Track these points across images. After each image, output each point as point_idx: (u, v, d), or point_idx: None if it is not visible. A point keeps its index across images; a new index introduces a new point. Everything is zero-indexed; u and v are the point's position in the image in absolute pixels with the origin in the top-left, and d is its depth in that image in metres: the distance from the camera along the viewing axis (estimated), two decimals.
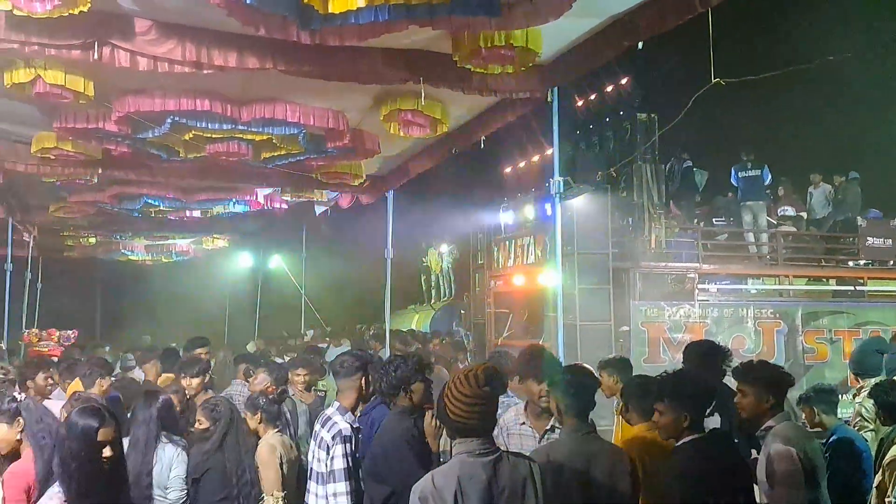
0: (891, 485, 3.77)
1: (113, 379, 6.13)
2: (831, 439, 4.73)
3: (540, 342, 10.93)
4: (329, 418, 4.26)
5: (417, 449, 3.82)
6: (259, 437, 4.75)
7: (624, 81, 12.22)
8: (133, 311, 20.29)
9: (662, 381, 3.53)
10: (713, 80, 6.26)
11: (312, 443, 4.34)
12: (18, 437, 3.81)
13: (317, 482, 4.18)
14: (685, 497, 3.19)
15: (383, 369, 4.12)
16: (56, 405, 5.15)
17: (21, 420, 3.81)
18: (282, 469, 4.50)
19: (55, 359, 8.86)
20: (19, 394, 5.60)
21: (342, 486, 4.03)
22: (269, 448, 4.52)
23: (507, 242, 13.42)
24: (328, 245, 18.31)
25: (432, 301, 19.16)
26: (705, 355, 4.47)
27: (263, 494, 4.40)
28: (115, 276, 21.80)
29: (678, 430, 3.36)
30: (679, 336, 10.78)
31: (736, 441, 3.97)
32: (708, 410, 3.50)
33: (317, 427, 4.36)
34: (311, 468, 4.26)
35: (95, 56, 5.58)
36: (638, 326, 10.69)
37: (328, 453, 4.11)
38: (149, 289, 20.85)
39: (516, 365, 4.35)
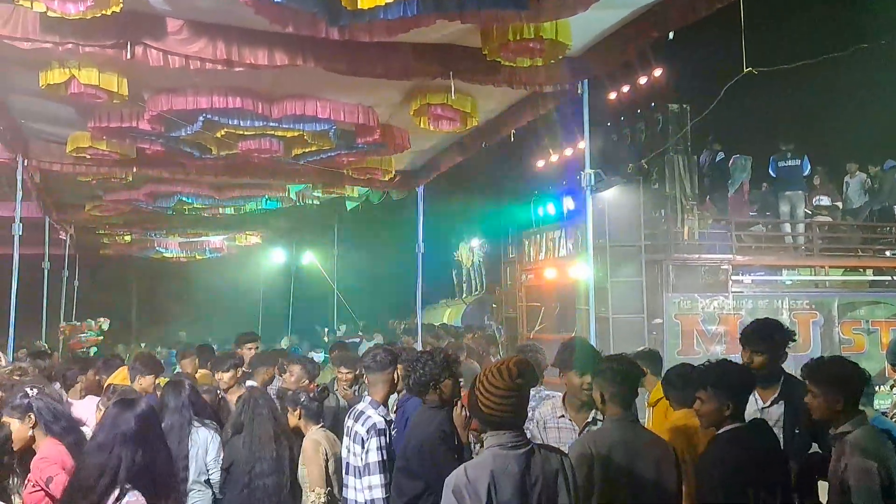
0: None
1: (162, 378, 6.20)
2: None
3: (572, 335, 10.89)
4: (362, 412, 4.29)
5: (449, 444, 3.82)
6: (302, 434, 4.76)
7: (655, 72, 12.10)
8: (168, 307, 20.64)
9: (706, 370, 3.53)
10: (745, 70, 6.17)
11: (346, 438, 4.38)
12: (31, 432, 3.83)
13: (354, 476, 4.23)
14: (723, 486, 3.18)
15: (411, 366, 4.10)
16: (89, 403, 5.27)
17: (32, 416, 3.82)
18: (326, 466, 4.49)
19: (94, 349, 9.02)
20: (60, 389, 5.68)
21: (377, 479, 4.07)
22: (314, 444, 4.52)
23: (539, 236, 13.38)
24: (360, 241, 18.41)
25: (464, 295, 19.18)
26: (766, 335, 4.31)
27: (306, 490, 4.41)
28: (150, 273, 22.14)
29: (720, 418, 3.35)
30: (713, 328, 10.69)
31: (796, 431, 3.89)
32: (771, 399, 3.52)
33: (349, 422, 4.39)
34: (347, 462, 4.30)
35: (128, 56, 5.64)
36: (671, 319, 10.61)
37: (363, 447, 4.14)
38: (183, 286, 21.16)
39: (556, 357, 4.32)
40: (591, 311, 7.96)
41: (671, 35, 6.01)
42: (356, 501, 4.21)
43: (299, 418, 4.69)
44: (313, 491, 4.32)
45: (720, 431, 3.37)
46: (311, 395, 4.76)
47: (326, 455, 4.52)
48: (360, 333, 16.44)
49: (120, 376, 5.65)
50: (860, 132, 15.33)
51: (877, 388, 8.17)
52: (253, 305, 20.78)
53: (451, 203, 15.43)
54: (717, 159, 12.77)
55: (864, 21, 11.62)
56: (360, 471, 4.19)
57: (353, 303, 18.89)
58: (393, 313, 19.15)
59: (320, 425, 4.70)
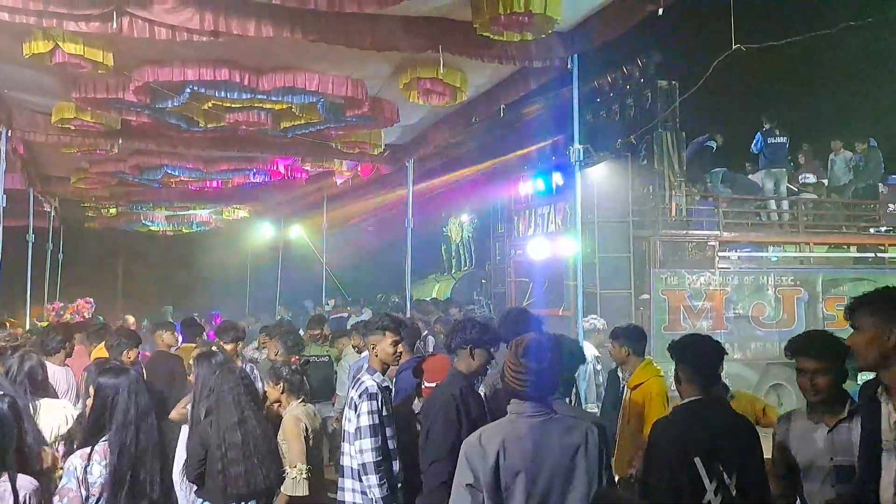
0: None
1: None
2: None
3: (560, 311, 10.96)
4: (361, 381, 4.32)
5: (454, 412, 3.85)
6: (281, 408, 4.70)
7: (645, 49, 12.06)
8: (154, 281, 20.55)
9: (677, 345, 3.57)
10: (734, 47, 6.17)
11: (345, 407, 4.40)
12: None
13: (347, 441, 4.25)
14: (668, 454, 3.25)
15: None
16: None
17: None
18: (307, 441, 4.44)
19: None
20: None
21: (367, 443, 4.09)
22: (293, 420, 4.46)
23: (528, 211, 13.38)
24: (348, 215, 18.35)
25: (453, 271, 19.20)
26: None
27: (286, 467, 4.32)
28: (136, 246, 22.02)
29: (692, 392, 3.42)
30: (699, 304, 10.77)
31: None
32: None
33: (351, 393, 4.40)
34: (345, 430, 4.32)
35: (114, 26, 5.58)
36: (658, 294, 10.67)
37: (356, 411, 4.18)
38: (170, 259, 21.07)
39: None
40: (578, 287, 8.00)
41: (661, 11, 6.00)
42: (350, 468, 4.22)
43: (281, 392, 4.61)
44: (294, 467, 4.25)
45: (679, 404, 3.45)
46: (293, 367, 4.67)
47: (307, 431, 4.45)
48: (348, 308, 16.46)
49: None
50: (847, 110, 15.41)
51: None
52: (241, 279, 20.73)
53: (441, 178, 15.40)
54: (704, 146, 12.78)
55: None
56: (351, 436, 4.21)
57: (341, 277, 18.87)
58: (382, 288, 19.16)
59: (301, 400, 4.62)
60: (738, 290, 11.01)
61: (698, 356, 3.45)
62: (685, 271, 10.86)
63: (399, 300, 14.13)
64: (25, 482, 2.87)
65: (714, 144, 12.83)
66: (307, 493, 4.27)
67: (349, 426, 4.25)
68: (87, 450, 3.22)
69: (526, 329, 4.25)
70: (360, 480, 4.15)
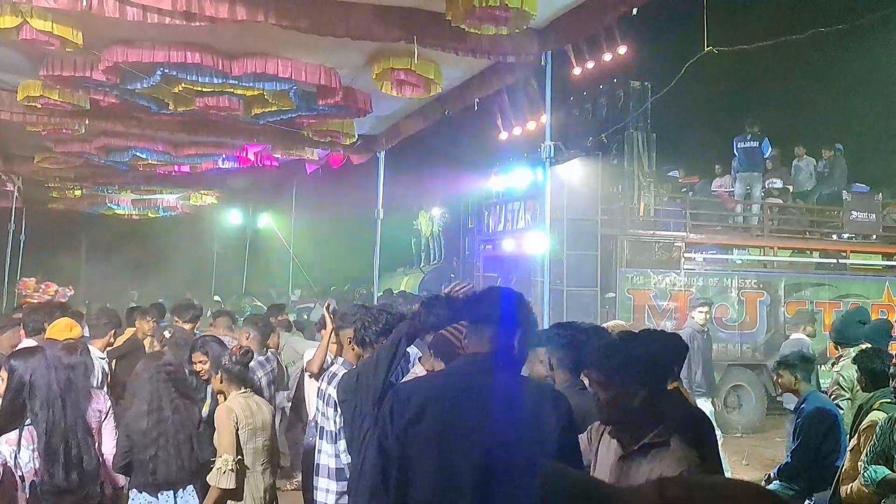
0: (864, 448, 3.87)
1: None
2: (803, 405, 4.91)
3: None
4: (335, 374, 4.18)
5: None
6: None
7: (619, 49, 12.12)
8: (118, 265, 20.24)
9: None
10: (706, 49, 6.25)
11: (319, 401, 4.25)
12: None
13: (327, 440, 4.11)
14: None
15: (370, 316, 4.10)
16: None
17: None
18: (237, 432, 4.22)
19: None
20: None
21: (347, 444, 3.94)
22: (225, 411, 4.26)
23: (498, 207, 13.42)
24: (318, 205, 18.26)
25: (422, 264, 19.19)
26: None
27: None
28: (101, 229, 21.65)
29: None
30: (664, 304, 10.91)
31: None
32: None
33: (322, 385, 4.27)
34: (322, 427, 4.17)
35: (84, 3, 5.48)
36: (624, 293, 10.79)
37: (335, 410, 4.03)
38: (135, 244, 20.76)
39: None
40: (545, 283, 8.07)
41: (635, 11, 6.06)
42: (329, 467, 4.08)
43: (221, 382, 4.45)
44: (220, 457, 4.12)
45: None
46: (234, 357, 4.47)
47: (237, 422, 4.23)
48: (315, 298, 16.37)
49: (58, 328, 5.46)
50: (813, 116, 15.69)
51: (820, 368, 8.50)
52: (207, 266, 20.52)
53: (413, 170, 15.37)
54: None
55: (822, 5, 11.83)
56: (333, 435, 4.07)
57: (309, 268, 18.77)
58: (350, 280, 19.09)
59: (242, 390, 4.43)
60: (702, 292, 11.15)
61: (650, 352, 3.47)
62: (651, 271, 10.98)
63: (366, 292, 14.09)
64: None
65: (769, 148, 12.87)
66: (233, 486, 4.11)
67: (328, 424, 4.12)
68: (14, 436, 3.17)
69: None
70: (341, 480, 4.02)
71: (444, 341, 3.36)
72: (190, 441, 4.22)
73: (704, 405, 8.35)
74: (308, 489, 4.94)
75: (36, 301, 12.51)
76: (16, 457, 3.12)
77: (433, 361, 3.67)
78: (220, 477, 4.08)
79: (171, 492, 4.17)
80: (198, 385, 5.08)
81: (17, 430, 3.17)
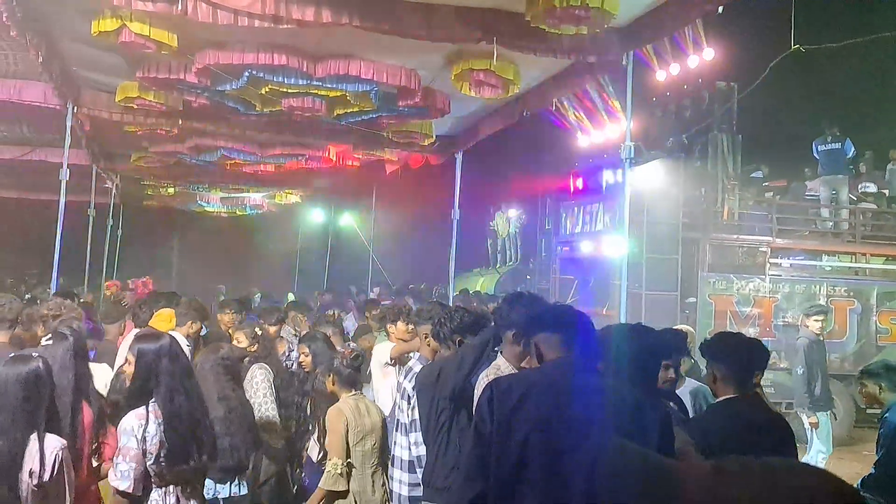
0: None
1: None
2: (887, 414, 4.74)
3: (604, 310, 10.89)
4: (411, 369, 4.32)
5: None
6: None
7: (703, 48, 11.85)
8: (208, 261, 21.04)
9: (708, 344, 3.58)
10: (793, 47, 6.06)
11: (397, 395, 4.39)
12: None
13: (401, 433, 4.22)
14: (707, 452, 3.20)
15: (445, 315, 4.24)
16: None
17: None
18: (347, 435, 4.30)
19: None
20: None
21: (423, 436, 4.07)
22: (335, 412, 4.36)
23: (576, 208, 13.32)
24: (397, 204, 18.50)
25: (498, 265, 19.20)
26: None
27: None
28: (192, 226, 22.54)
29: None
30: (747, 310, 10.61)
31: None
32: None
33: (399, 378, 4.41)
34: (398, 420, 4.28)
35: (179, 8, 5.75)
36: (705, 298, 10.54)
37: (409, 403, 4.15)
38: (224, 240, 21.51)
39: None
40: (623, 287, 7.96)
41: (720, 9, 5.92)
42: (402, 459, 4.20)
43: (333, 384, 4.55)
44: (330, 461, 4.24)
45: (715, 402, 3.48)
46: (346, 361, 4.56)
47: (346, 424, 4.32)
48: (393, 296, 16.59)
49: (162, 317, 5.78)
50: None
51: None
52: (290, 263, 21.08)
53: (490, 171, 15.40)
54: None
55: None
56: (406, 427, 4.18)
57: (387, 266, 19.04)
58: (426, 279, 19.26)
59: (353, 393, 4.51)
60: (788, 299, 10.79)
61: (731, 355, 3.42)
62: (734, 276, 10.70)
63: (442, 292, 14.19)
64: (53, 441, 3.01)
65: (852, 149, 12.43)
66: (344, 489, 4.19)
67: (402, 417, 4.22)
68: (143, 410, 3.36)
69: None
70: (412, 472, 4.13)
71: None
72: (252, 431, 4.36)
73: (823, 419, 8.09)
74: None
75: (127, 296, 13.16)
76: (144, 429, 3.30)
77: (521, 354, 3.72)
78: (330, 479, 4.19)
79: (228, 482, 4.29)
80: (303, 378, 5.31)
81: (145, 406, 3.36)
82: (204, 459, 3.47)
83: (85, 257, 14.18)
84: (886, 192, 13.10)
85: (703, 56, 11.71)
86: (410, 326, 5.65)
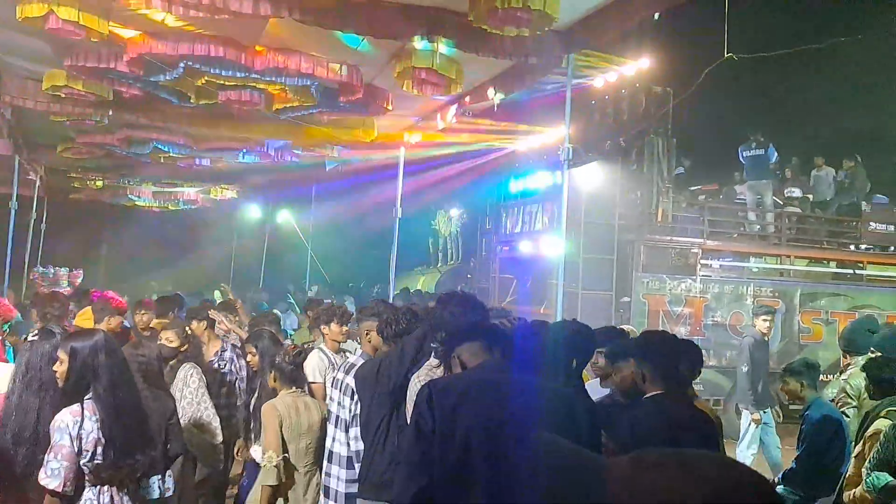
0: (869, 455, 3.88)
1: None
2: (808, 411, 4.92)
3: (542, 309, 11.02)
4: (353, 365, 4.29)
5: None
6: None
7: (640, 53, 12.10)
8: (138, 257, 20.45)
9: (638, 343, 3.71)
10: (726, 55, 6.24)
11: (335, 390, 4.33)
12: None
13: (340, 428, 4.21)
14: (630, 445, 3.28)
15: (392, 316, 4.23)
16: None
17: None
18: (282, 432, 4.25)
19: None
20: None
21: (362, 431, 4.07)
22: (269, 408, 4.32)
23: (516, 209, 13.44)
24: (337, 202, 18.34)
25: (439, 264, 19.23)
26: None
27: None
28: (121, 220, 21.84)
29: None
30: (679, 309, 10.88)
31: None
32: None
33: (338, 374, 4.37)
34: (337, 416, 4.25)
35: None
36: (639, 298, 10.77)
37: (352, 398, 4.14)
38: (155, 236, 20.94)
39: None
40: (559, 286, 8.07)
41: (657, 16, 6.05)
42: (340, 455, 4.19)
43: (275, 381, 4.50)
44: (265, 454, 4.19)
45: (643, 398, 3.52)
46: (287, 358, 4.51)
47: (281, 420, 4.26)
48: (332, 295, 16.44)
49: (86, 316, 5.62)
50: (836, 126, 15.55)
51: (829, 377, 8.45)
52: (225, 260, 20.67)
53: (432, 170, 15.36)
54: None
55: (844, 16, 11.74)
56: (347, 423, 4.17)
57: (326, 264, 18.86)
58: (366, 277, 19.15)
59: (293, 390, 4.46)
60: (717, 299, 11.12)
61: (657, 353, 3.49)
62: (667, 276, 10.96)
63: (381, 290, 14.14)
64: None
65: (775, 155, 12.79)
66: (276, 483, 4.14)
67: (341, 412, 4.20)
68: (77, 407, 3.27)
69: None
70: (350, 468, 4.12)
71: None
72: (160, 432, 4.23)
73: (767, 417, 8.32)
74: None
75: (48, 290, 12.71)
76: (80, 426, 3.21)
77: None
78: (266, 474, 4.13)
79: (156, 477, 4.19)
80: (251, 376, 5.20)
81: (79, 403, 3.28)
82: (151, 454, 3.42)
83: (6, 252, 13.61)
84: (811, 196, 13.63)
85: (639, 57, 12.01)
86: (345, 328, 5.63)
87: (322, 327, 5.71)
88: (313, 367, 5.47)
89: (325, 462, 4.31)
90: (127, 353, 4.29)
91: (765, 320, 8.40)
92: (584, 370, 4.20)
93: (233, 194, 18.44)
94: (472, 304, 3.86)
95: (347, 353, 5.29)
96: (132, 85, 8.28)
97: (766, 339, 8.53)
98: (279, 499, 4.22)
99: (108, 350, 3.41)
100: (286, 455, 4.22)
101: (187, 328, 5.72)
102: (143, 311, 7.02)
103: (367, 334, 4.41)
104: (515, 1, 5.53)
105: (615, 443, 3.27)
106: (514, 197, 13.53)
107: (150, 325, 6.89)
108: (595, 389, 4.29)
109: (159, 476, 4.07)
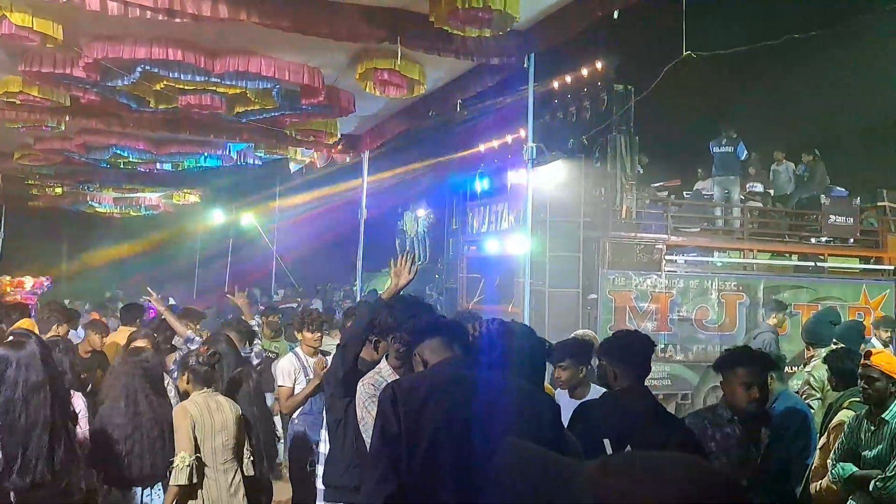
0: (833, 446, 3.95)
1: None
2: (775, 404, 4.98)
3: (509, 307, 11.05)
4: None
5: None
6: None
7: (602, 52, 12.23)
8: (100, 264, 20.09)
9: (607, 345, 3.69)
10: (685, 53, 6.31)
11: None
12: None
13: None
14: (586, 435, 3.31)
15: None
16: None
17: None
18: (195, 433, 4.22)
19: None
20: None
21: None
22: (180, 409, 4.29)
23: (482, 208, 13.46)
24: (301, 204, 18.22)
25: None
26: None
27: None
28: (82, 227, 21.44)
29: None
30: (645, 305, 10.98)
31: None
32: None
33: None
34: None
35: None
36: (606, 295, 10.84)
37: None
38: (117, 242, 20.59)
39: None
40: (525, 284, 8.11)
41: (616, 14, 6.11)
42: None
43: (187, 382, 4.45)
44: (178, 455, 4.14)
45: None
46: (200, 359, 4.45)
47: (194, 422, 4.22)
48: (298, 298, 16.34)
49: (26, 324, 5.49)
50: (795, 120, 15.84)
51: (794, 370, 8.58)
52: (189, 265, 20.40)
53: (398, 171, 15.36)
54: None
55: (800, 11, 11.97)
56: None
57: (292, 267, 18.71)
58: (333, 280, 19.04)
59: (204, 391, 4.40)
60: (683, 294, 11.24)
61: (630, 353, 3.52)
62: (632, 273, 11.05)
63: (348, 291, 14.08)
64: None
65: (744, 152, 12.95)
66: (187, 483, 4.11)
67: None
68: None
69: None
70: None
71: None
72: (163, 438, 4.22)
73: None
74: (295, 476, 5.06)
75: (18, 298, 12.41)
76: None
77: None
78: (177, 473, 4.10)
79: (140, 488, 4.17)
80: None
81: None
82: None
83: None
84: (772, 191, 13.85)
85: (601, 56, 12.13)
86: (317, 335, 5.60)
87: (296, 333, 5.73)
88: (282, 370, 5.52)
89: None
90: (130, 360, 4.26)
91: (776, 317, 8.96)
92: (547, 384, 4.23)
93: (195, 199, 18.19)
94: (419, 306, 3.89)
95: (327, 356, 5.28)
96: (89, 90, 8.12)
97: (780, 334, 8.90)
98: (195, 499, 4.21)
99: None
100: (199, 455, 4.21)
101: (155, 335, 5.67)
102: (94, 332, 6.69)
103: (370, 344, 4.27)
104: (476, 1, 5.54)
105: (582, 438, 3.29)
106: (480, 196, 13.55)
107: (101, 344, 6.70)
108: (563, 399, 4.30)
109: (151, 486, 4.05)
